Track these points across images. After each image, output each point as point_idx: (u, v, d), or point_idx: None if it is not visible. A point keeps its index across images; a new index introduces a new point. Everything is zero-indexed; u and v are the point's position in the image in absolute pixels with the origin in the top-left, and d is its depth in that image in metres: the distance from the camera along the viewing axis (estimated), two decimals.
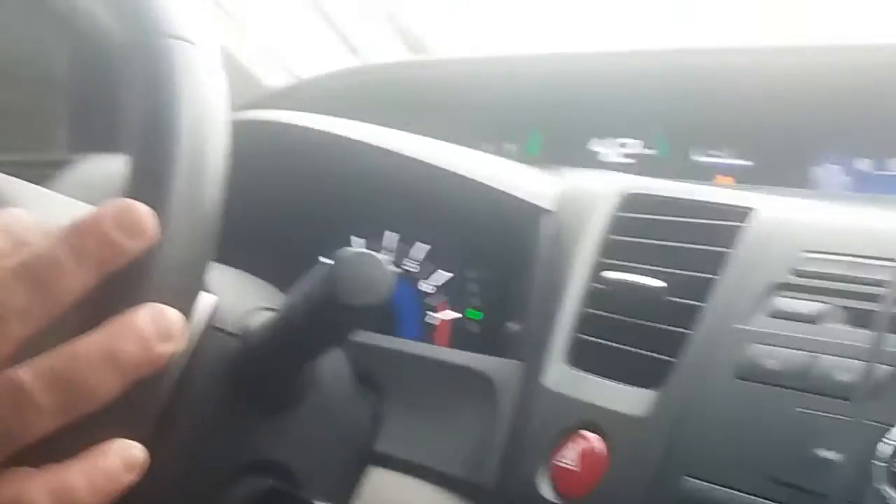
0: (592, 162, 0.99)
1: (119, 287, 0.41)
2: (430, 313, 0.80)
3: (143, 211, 0.41)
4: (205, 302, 0.56)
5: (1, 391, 0.38)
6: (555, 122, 1.02)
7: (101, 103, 1.16)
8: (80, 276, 0.39)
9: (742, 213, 0.60)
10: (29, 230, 0.42)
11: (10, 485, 0.39)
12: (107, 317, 0.41)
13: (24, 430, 0.39)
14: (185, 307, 0.43)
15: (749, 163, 0.91)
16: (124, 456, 0.42)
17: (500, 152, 0.99)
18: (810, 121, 0.87)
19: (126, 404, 0.41)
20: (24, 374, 0.39)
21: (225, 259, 0.68)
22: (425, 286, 0.80)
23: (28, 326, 0.39)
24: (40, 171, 0.79)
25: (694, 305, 0.57)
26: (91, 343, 0.40)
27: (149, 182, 0.43)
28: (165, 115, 0.44)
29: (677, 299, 0.59)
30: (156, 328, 0.41)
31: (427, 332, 0.80)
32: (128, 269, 0.41)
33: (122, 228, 0.40)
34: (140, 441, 0.43)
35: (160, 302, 0.42)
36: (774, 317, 0.53)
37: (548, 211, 0.70)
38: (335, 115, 0.83)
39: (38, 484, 0.39)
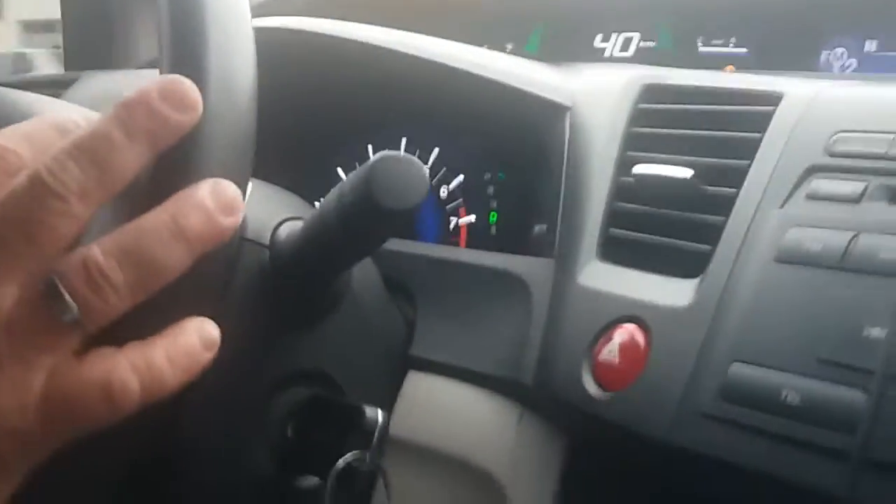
0: (597, 58, 0.98)
1: (175, 164, 0.42)
2: (451, 218, 0.79)
3: (186, 83, 0.41)
4: None
5: (75, 269, 0.39)
6: (556, 19, 1.00)
7: (96, 22, 1.14)
8: (134, 150, 0.40)
9: (774, 97, 0.59)
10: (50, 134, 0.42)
11: (97, 365, 0.40)
12: (168, 194, 0.41)
13: (102, 307, 0.39)
14: (240, 182, 0.44)
15: (755, 51, 0.90)
16: (201, 333, 0.44)
17: (500, 52, 0.98)
18: (815, 5, 0.86)
19: (196, 280, 0.42)
20: (95, 251, 0.39)
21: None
22: (443, 191, 0.80)
23: (89, 204, 0.39)
24: (47, 90, 0.77)
25: (728, 193, 0.57)
26: (156, 218, 0.41)
27: (185, 60, 0.43)
28: (192, 4, 0.45)
29: (710, 188, 0.59)
30: (216, 201, 0.42)
31: (449, 236, 0.79)
32: (181, 145, 0.42)
33: (169, 101, 0.41)
34: (212, 318, 0.44)
35: (216, 177, 0.43)
36: (813, 199, 0.53)
37: (567, 107, 0.69)
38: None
39: (124, 363, 0.41)
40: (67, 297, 0.39)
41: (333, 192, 0.53)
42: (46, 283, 0.39)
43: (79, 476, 0.46)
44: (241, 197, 0.43)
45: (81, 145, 0.39)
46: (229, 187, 0.43)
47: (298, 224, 0.58)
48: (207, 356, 0.44)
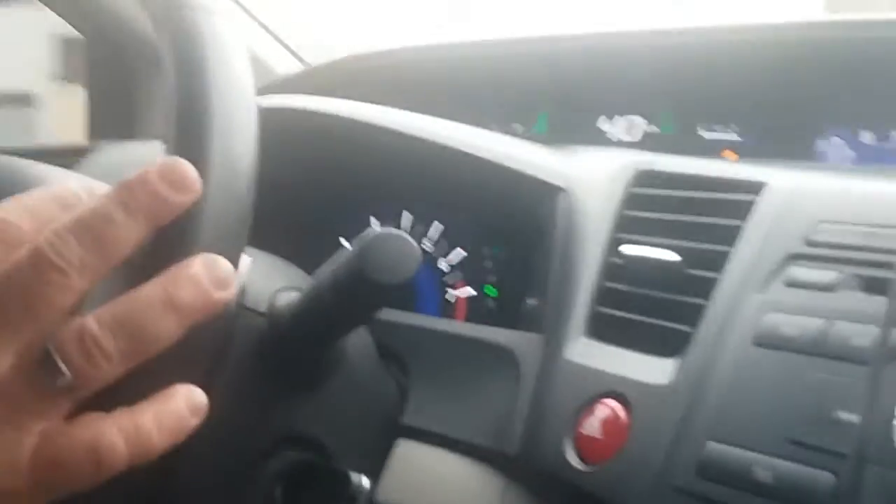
0: (600, 140, 1.00)
1: (170, 240, 0.44)
2: (449, 290, 0.81)
3: (186, 166, 0.43)
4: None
5: (70, 339, 0.41)
6: (562, 102, 1.03)
7: (118, 94, 1.17)
8: (132, 228, 0.42)
9: (755, 186, 0.62)
10: (54, 205, 0.44)
11: (86, 429, 0.42)
12: (163, 267, 0.43)
13: (95, 374, 0.41)
14: (234, 258, 0.46)
15: (754, 138, 0.92)
16: (189, 398, 0.45)
17: (507, 133, 1.00)
18: (814, 95, 0.89)
19: (186, 349, 0.44)
20: (90, 321, 0.41)
21: (248, 242, 0.70)
22: (443, 264, 0.82)
23: (87, 278, 0.41)
24: (62, 160, 0.80)
25: (710, 277, 0.59)
26: (150, 290, 0.42)
27: (188, 143, 0.46)
28: (198, 84, 0.47)
29: (694, 271, 0.61)
30: (209, 275, 0.44)
31: (446, 309, 0.81)
32: (177, 223, 0.44)
33: (168, 183, 0.43)
34: (208, 382, 0.46)
35: (210, 253, 0.44)
36: (790, 286, 0.55)
37: (562, 188, 0.72)
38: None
39: (112, 427, 0.42)
40: (62, 364, 0.40)
41: (329, 265, 0.55)
42: (42, 351, 0.41)
43: None
44: (233, 272, 0.45)
45: (83, 222, 0.41)
46: (223, 262, 0.44)
47: (296, 294, 0.60)
48: (194, 421, 0.45)
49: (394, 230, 0.53)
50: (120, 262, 0.42)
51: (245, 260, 0.49)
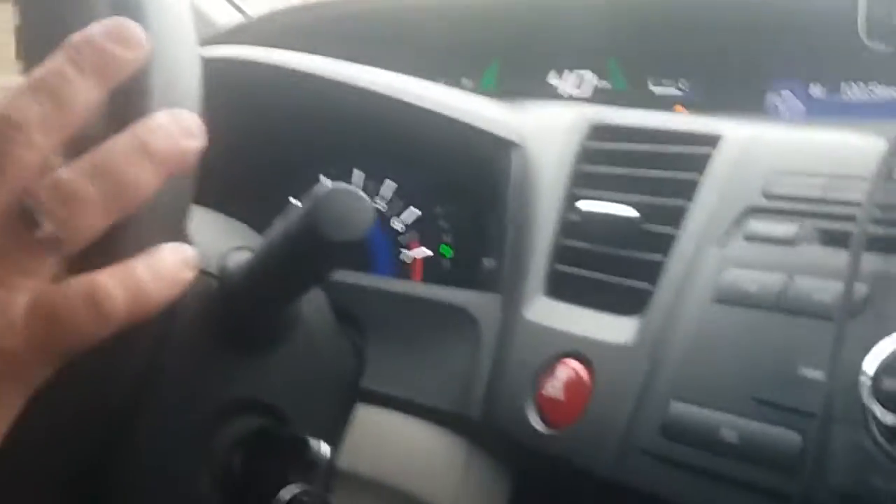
0: (550, 95, 0.99)
1: (132, 98, 0.44)
2: (404, 251, 0.80)
3: (129, 22, 0.43)
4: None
5: (46, 189, 0.40)
6: (511, 56, 1.01)
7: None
8: (87, 85, 0.41)
9: (711, 139, 0.61)
10: None
11: (80, 281, 0.42)
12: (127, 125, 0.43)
13: (78, 224, 0.40)
14: (196, 109, 0.46)
15: (704, 93, 0.92)
16: (179, 253, 0.46)
17: (457, 87, 0.99)
18: (764, 49, 0.88)
19: (165, 207, 0.45)
20: (63, 170, 0.41)
21: (196, 200, 0.68)
22: (397, 224, 0.81)
23: (49, 135, 0.41)
24: None
25: (669, 232, 0.58)
26: (123, 140, 0.42)
27: (126, 8, 0.46)
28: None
29: (652, 227, 0.60)
30: (176, 124, 0.44)
31: (401, 270, 0.80)
32: (132, 83, 0.43)
33: (115, 40, 0.42)
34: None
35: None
36: (750, 240, 0.54)
37: (516, 143, 0.71)
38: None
39: (106, 276, 0.42)
40: (42, 216, 0.40)
41: (280, 223, 0.53)
42: (20, 207, 0.40)
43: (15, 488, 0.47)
44: (200, 123, 0.45)
45: (36, 81, 0.41)
46: (185, 113, 0.44)
47: (247, 254, 0.58)
48: (188, 274, 0.45)
49: (346, 185, 0.51)
50: (80, 121, 0.42)
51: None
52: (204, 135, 0.45)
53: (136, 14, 0.46)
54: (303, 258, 0.54)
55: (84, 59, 0.42)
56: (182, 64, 0.48)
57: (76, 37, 0.42)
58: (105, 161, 0.41)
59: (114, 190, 0.41)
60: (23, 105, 0.40)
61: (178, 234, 0.47)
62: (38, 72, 0.41)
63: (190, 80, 0.48)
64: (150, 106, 0.45)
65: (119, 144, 0.42)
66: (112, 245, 0.43)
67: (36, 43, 0.52)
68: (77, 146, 0.42)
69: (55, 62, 0.41)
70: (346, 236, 0.51)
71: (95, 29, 0.42)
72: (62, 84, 0.41)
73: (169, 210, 0.46)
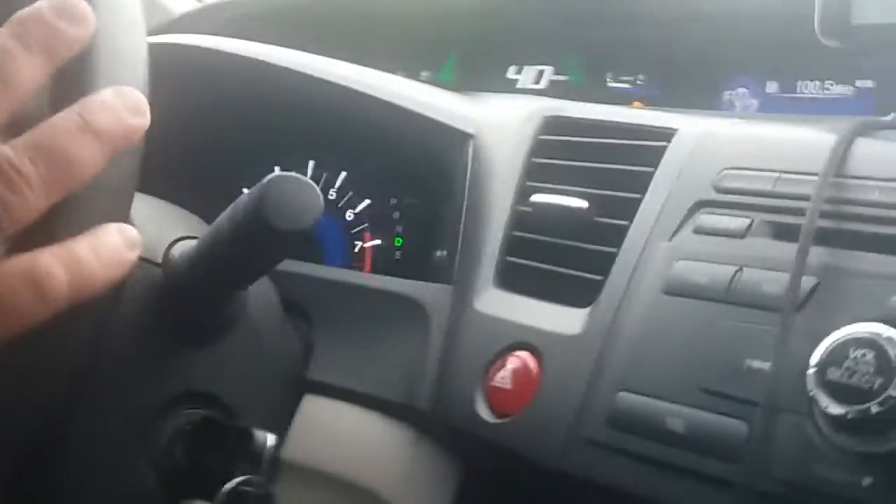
0: (509, 89, 0.99)
1: (76, 76, 0.43)
2: (356, 242, 0.79)
3: (78, 0, 0.42)
4: None
5: None
6: (470, 49, 1.01)
7: None
8: (32, 62, 0.40)
9: (665, 134, 0.61)
10: None
11: (19, 260, 0.40)
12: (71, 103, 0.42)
13: (19, 204, 0.39)
14: (142, 89, 0.45)
15: (662, 89, 0.92)
16: (123, 233, 0.44)
17: (415, 79, 0.98)
18: (722, 46, 0.88)
19: (110, 186, 0.44)
20: (4, 148, 0.39)
21: (144, 189, 0.67)
22: (350, 215, 0.80)
23: None
24: None
25: (620, 225, 0.58)
26: (66, 117, 0.41)
27: None
28: None
29: (603, 219, 0.60)
30: (122, 102, 0.43)
31: (353, 261, 0.79)
32: (79, 58, 0.43)
33: (62, 16, 0.42)
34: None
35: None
36: (700, 233, 0.54)
37: (470, 135, 0.70)
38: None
39: (47, 255, 0.41)
40: None
41: (227, 212, 0.52)
42: None
43: None
44: (146, 101, 0.44)
45: None
46: (133, 91, 0.44)
47: (193, 243, 0.57)
48: (132, 255, 0.44)
49: (293, 174, 0.50)
50: (25, 97, 0.41)
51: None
52: (149, 112, 0.44)
53: None
54: (248, 247, 0.53)
55: (31, 35, 0.41)
56: (128, 41, 0.47)
57: (23, 12, 0.41)
58: (47, 139, 0.40)
59: (56, 169, 0.40)
60: None
61: (122, 213, 0.46)
62: None
63: (136, 58, 0.47)
64: (95, 83, 0.44)
65: (62, 122, 0.41)
66: (55, 224, 0.42)
67: None
68: (20, 123, 0.41)
69: (0, 38, 0.40)
70: (293, 225, 0.50)
71: (43, 4, 0.41)
72: (7, 61, 0.40)
73: (114, 189, 0.45)
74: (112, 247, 0.43)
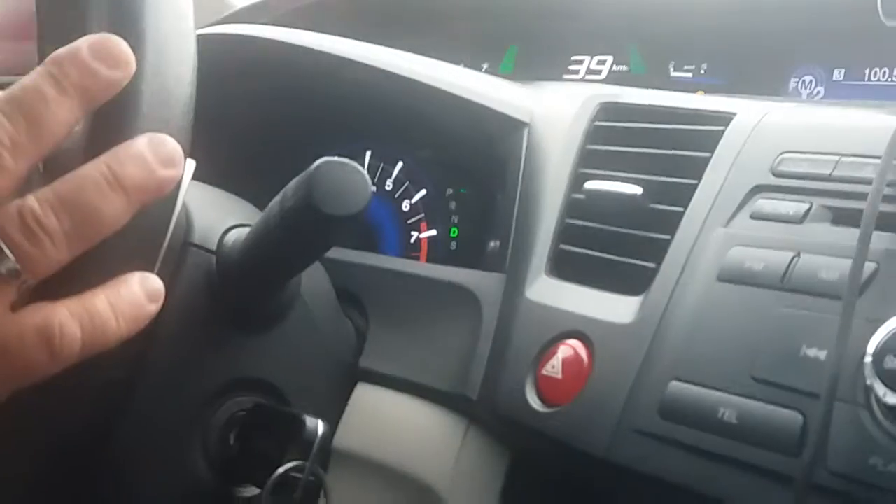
0: (568, 80, 0.98)
1: (110, 121, 0.42)
2: (412, 232, 0.79)
3: (118, 40, 0.41)
4: (181, 218, 0.56)
5: (10, 219, 0.39)
6: (531, 41, 1.00)
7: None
8: (65, 105, 0.40)
9: (722, 118, 0.59)
10: None
11: (34, 313, 0.40)
12: (103, 151, 0.41)
13: (40, 257, 0.39)
14: (180, 139, 0.44)
15: (726, 79, 0.90)
16: (145, 285, 0.43)
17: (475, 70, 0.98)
18: (788, 33, 0.86)
19: (136, 235, 0.42)
20: (31, 200, 0.39)
21: (201, 178, 0.68)
22: (406, 205, 0.80)
23: (22, 159, 0.39)
24: None
25: (675, 211, 0.57)
26: (92, 168, 0.40)
27: (121, 21, 0.43)
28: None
29: (658, 206, 0.59)
30: (154, 152, 0.42)
31: (408, 251, 0.79)
32: (116, 102, 0.41)
33: (100, 58, 0.40)
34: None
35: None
36: (756, 218, 0.53)
37: (525, 123, 0.69)
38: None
39: (62, 309, 0.40)
40: (4, 247, 0.38)
41: (277, 198, 0.53)
42: None
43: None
44: (181, 151, 0.43)
45: (12, 100, 0.39)
46: (168, 140, 0.42)
47: (246, 231, 0.57)
48: (152, 308, 0.44)
49: (342, 159, 0.50)
50: (56, 143, 0.40)
51: (190, 163, 0.46)
52: (183, 162, 0.43)
53: (133, 23, 0.44)
54: (298, 233, 0.53)
55: (66, 77, 0.40)
56: (173, 84, 0.45)
57: (60, 52, 0.40)
58: (74, 192, 0.40)
59: (80, 222, 0.40)
60: None
61: (149, 263, 0.45)
62: (16, 88, 0.39)
63: (178, 101, 0.45)
64: (131, 129, 0.42)
65: (90, 174, 0.40)
66: (75, 274, 0.41)
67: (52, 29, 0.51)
68: (50, 168, 0.41)
69: (34, 78, 0.40)
70: (342, 211, 0.50)
71: (81, 46, 0.40)
72: (40, 104, 0.39)
73: (140, 239, 0.44)
74: (130, 299, 0.43)
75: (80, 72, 0.40)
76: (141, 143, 0.42)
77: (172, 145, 0.43)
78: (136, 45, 0.42)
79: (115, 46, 0.41)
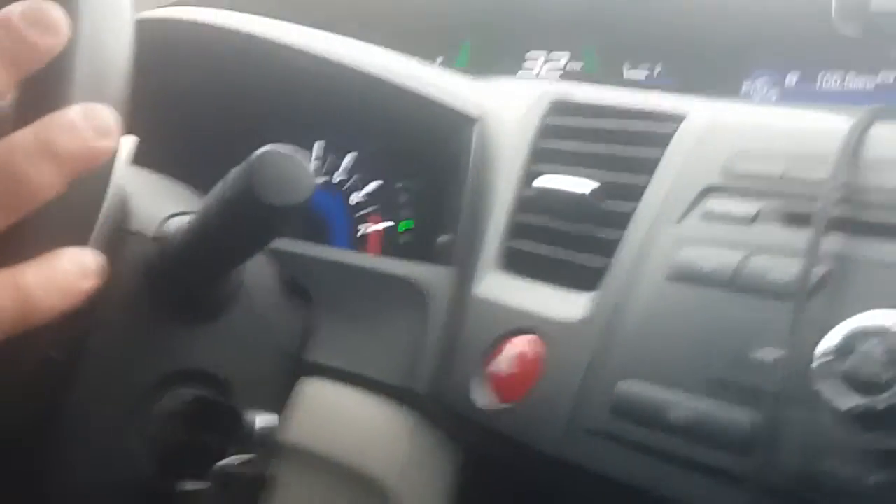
0: (522, 75, 0.97)
1: (43, 88, 0.41)
2: (362, 224, 0.78)
3: (52, 6, 0.39)
4: (117, 204, 0.54)
5: None
6: (486, 36, 1.00)
7: None
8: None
9: (675, 117, 0.59)
10: None
11: None
12: (36, 119, 0.39)
13: None
14: (116, 110, 0.42)
15: (680, 79, 0.90)
16: (78, 261, 0.42)
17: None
18: (742, 36, 0.87)
19: (68, 208, 0.41)
20: None
21: (143, 163, 0.66)
22: (356, 197, 0.79)
23: None
24: None
25: (626, 208, 0.57)
26: (25, 136, 0.39)
27: None
28: None
29: (610, 203, 0.59)
30: (88, 122, 0.40)
31: (358, 244, 0.78)
32: (49, 70, 0.40)
33: (34, 25, 0.39)
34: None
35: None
36: (707, 219, 0.53)
37: (476, 118, 0.69)
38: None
39: None
40: None
41: (218, 186, 0.51)
42: None
43: None
44: (116, 122, 0.41)
45: None
46: (103, 110, 0.41)
47: (188, 218, 0.56)
48: (85, 284, 0.42)
49: (285, 149, 0.49)
50: None
51: (128, 138, 0.44)
52: (119, 134, 0.41)
53: None
54: (239, 223, 0.51)
55: None
56: (109, 53, 0.43)
57: None
58: (3, 159, 0.38)
59: (9, 192, 0.38)
60: None
61: (82, 238, 0.43)
62: None
63: (115, 71, 0.44)
64: (65, 98, 0.41)
65: (19, 142, 0.39)
66: (4, 246, 0.40)
67: None
68: None
69: None
70: (283, 200, 0.48)
71: (13, 9, 0.39)
72: None
73: (74, 213, 0.42)
74: (64, 275, 0.41)
75: (12, 38, 0.38)
76: (74, 112, 0.40)
77: (107, 115, 0.41)
78: (71, 12, 0.40)
79: (48, 12, 0.39)
